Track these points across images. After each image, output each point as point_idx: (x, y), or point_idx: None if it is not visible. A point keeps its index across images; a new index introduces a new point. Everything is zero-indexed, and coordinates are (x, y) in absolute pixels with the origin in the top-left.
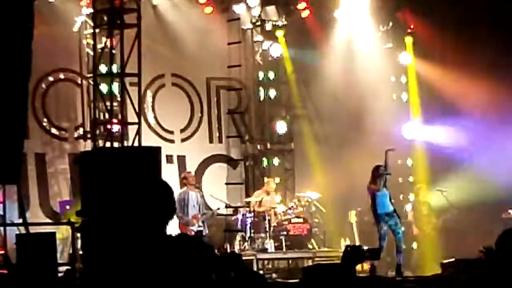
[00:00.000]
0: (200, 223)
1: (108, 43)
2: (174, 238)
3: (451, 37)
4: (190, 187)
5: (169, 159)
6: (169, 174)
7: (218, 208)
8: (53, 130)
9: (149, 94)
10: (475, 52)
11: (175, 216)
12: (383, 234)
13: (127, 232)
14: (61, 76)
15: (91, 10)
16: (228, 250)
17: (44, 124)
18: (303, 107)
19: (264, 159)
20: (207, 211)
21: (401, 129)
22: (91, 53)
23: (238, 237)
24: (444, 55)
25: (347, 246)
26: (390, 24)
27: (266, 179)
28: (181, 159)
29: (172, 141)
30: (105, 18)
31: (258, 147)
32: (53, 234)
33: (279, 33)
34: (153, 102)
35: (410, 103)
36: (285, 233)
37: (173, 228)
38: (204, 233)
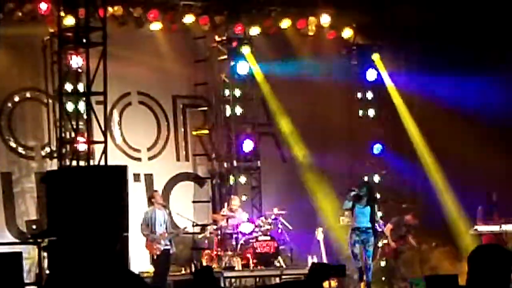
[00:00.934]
0: (167, 241)
1: (74, 62)
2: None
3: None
4: (158, 206)
5: (136, 177)
6: (137, 192)
7: (185, 227)
8: (20, 149)
9: (115, 112)
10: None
11: (142, 234)
12: (354, 253)
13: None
14: (28, 95)
15: (56, 28)
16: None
17: (11, 143)
18: (269, 125)
19: (231, 177)
20: (174, 229)
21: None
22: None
23: (205, 255)
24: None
25: (313, 264)
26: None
27: (231, 197)
28: (148, 178)
29: (139, 160)
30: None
31: (225, 165)
32: (20, 254)
33: (246, 50)
34: (120, 120)
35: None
36: (252, 250)
37: (140, 246)
38: (171, 251)
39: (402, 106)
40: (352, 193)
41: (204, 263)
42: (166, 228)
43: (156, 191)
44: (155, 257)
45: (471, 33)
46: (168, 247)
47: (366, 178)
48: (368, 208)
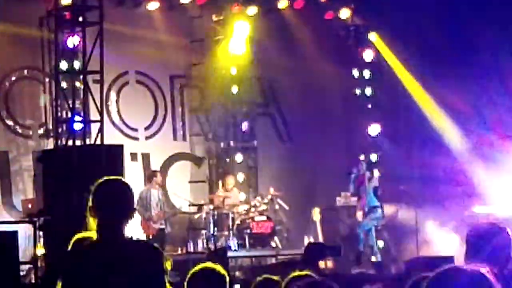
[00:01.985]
0: (163, 221)
1: (70, 41)
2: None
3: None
4: (154, 186)
5: (134, 156)
6: (134, 171)
7: (181, 207)
8: (17, 128)
9: (113, 91)
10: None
11: (137, 214)
12: (360, 236)
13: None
14: (25, 73)
15: (53, 7)
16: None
17: (8, 121)
18: (265, 105)
19: (228, 157)
20: (170, 209)
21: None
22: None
23: (202, 235)
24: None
25: (309, 243)
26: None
27: (226, 177)
28: (146, 157)
29: (136, 139)
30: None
31: (222, 145)
32: (16, 232)
33: (244, 30)
34: (117, 99)
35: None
36: (248, 231)
37: (135, 225)
38: (166, 231)
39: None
40: (353, 175)
41: (200, 244)
42: (161, 208)
43: (157, 171)
44: (150, 236)
45: (473, 15)
46: (163, 226)
47: (362, 157)
48: (371, 186)
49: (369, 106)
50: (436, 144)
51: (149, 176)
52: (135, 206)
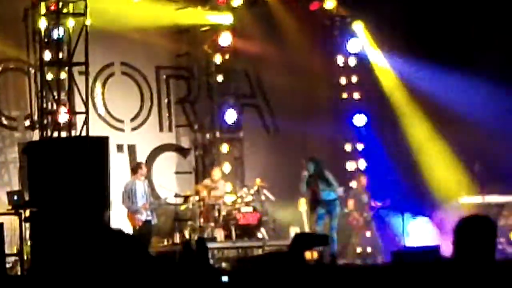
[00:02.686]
0: (149, 213)
1: (56, 32)
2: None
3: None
4: (139, 177)
5: (119, 148)
6: (120, 163)
7: (166, 198)
8: (3, 119)
9: (98, 83)
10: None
11: (123, 206)
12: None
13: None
14: (10, 65)
15: None
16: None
17: None
18: (252, 97)
19: (214, 148)
20: (156, 201)
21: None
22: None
23: (188, 226)
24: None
25: (296, 234)
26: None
27: (213, 168)
28: (132, 148)
29: (122, 130)
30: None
31: (208, 136)
32: (1, 224)
33: (229, 21)
34: (102, 91)
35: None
36: (234, 222)
37: (121, 218)
38: (152, 222)
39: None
40: (304, 175)
41: (187, 235)
42: (146, 200)
43: (142, 163)
44: (137, 228)
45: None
46: (150, 218)
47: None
48: (324, 182)
49: (356, 96)
50: None
51: (134, 168)
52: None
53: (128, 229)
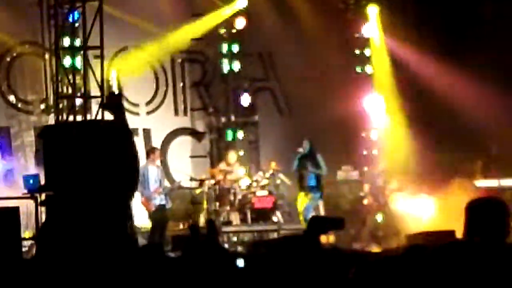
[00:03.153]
0: (162, 197)
1: (71, 16)
2: None
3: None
4: (152, 162)
5: (135, 132)
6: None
7: (180, 181)
8: (19, 104)
9: (113, 67)
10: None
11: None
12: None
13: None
14: (26, 49)
15: None
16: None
17: (9, 97)
18: (266, 80)
19: (229, 132)
20: (171, 185)
21: (363, 102)
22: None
23: (203, 210)
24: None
25: (312, 217)
26: None
27: (228, 152)
28: (147, 132)
29: (137, 114)
30: None
31: (223, 119)
32: (17, 208)
33: (244, 4)
34: (117, 75)
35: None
36: (250, 206)
37: (136, 203)
38: (167, 206)
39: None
40: (299, 151)
41: (202, 219)
42: (160, 184)
43: (156, 148)
44: (151, 212)
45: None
46: (164, 202)
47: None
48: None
49: (370, 82)
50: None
51: (147, 152)
52: None
53: (143, 214)
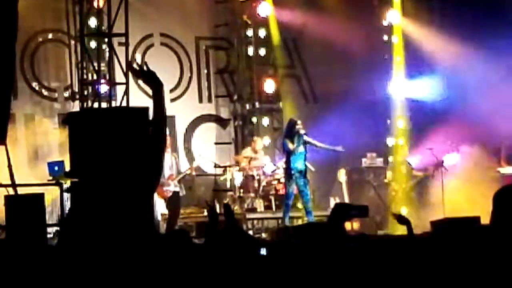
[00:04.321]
0: (176, 183)
1: (95, 3)
2: None
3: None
4: (165, 150)
5: None
6: None
7: (189, 168)
8: (43, 91)
9: (138, 54)
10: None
11: None
12: (290, 193)
13: (116, 194)
14: (50, 36)
15: None
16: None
17: (33, 84)
18: (291, 67)
19: (253, 118)
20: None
21: (386, 87)
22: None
23: (227, 197)
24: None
25: (336, 204)
26: None
27: (254, 138)
28: (170, 120)
29: None
30: None
31: (247, 106)
32: (42, 195)
33: None
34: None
35: (395, 62)
36: (274, 192)
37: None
38: (181, 194)
39: None
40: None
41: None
42: (175, 172)
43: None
44: (166, 199)
45: None
46: (178, 189)
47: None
48: (303, 150)
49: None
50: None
51: None
52: None
53: (157, 201)
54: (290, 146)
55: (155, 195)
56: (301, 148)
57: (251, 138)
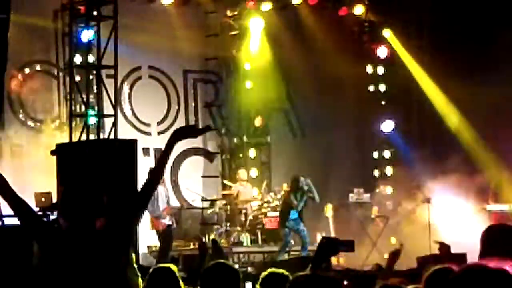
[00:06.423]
0: (169, 217)
1: (85, 35)
2: None
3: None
4: (160, 183)
5: (146, 152)
6: (146, 167)
7: (194, 200)
8: (29, 122)
9: (126, 86)
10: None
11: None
12: (286, 232)
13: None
14: (38, 67)
15: (67, 1)
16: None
17: (20, 115)
18: (280, 101)
19: (241, 152)
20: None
21: (379, 123)
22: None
23: (214, 230)
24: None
25: (322, 238)
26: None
27: (239, 171)
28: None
29: (149, 134)
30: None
31: (235, 140)
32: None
33: (258, 26)
34: (130, 94)
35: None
36: (261, 226)
37: (144, 222)
38: (173, 227)
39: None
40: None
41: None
42: (168, 204)
43: None
44: (160, 231)
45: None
46: (170, 222)
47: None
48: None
49: (383, 102)
50: (449, 140)
51: None
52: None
53: (151, 233)
54: (294, 203)
55: (149, 227)
56: (301, 205)
57: (238, 169)
